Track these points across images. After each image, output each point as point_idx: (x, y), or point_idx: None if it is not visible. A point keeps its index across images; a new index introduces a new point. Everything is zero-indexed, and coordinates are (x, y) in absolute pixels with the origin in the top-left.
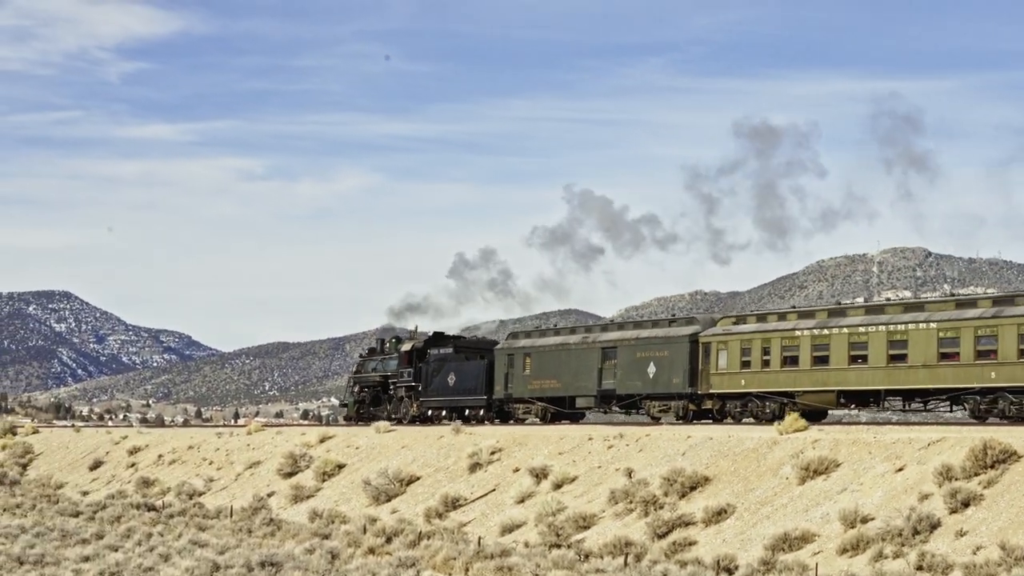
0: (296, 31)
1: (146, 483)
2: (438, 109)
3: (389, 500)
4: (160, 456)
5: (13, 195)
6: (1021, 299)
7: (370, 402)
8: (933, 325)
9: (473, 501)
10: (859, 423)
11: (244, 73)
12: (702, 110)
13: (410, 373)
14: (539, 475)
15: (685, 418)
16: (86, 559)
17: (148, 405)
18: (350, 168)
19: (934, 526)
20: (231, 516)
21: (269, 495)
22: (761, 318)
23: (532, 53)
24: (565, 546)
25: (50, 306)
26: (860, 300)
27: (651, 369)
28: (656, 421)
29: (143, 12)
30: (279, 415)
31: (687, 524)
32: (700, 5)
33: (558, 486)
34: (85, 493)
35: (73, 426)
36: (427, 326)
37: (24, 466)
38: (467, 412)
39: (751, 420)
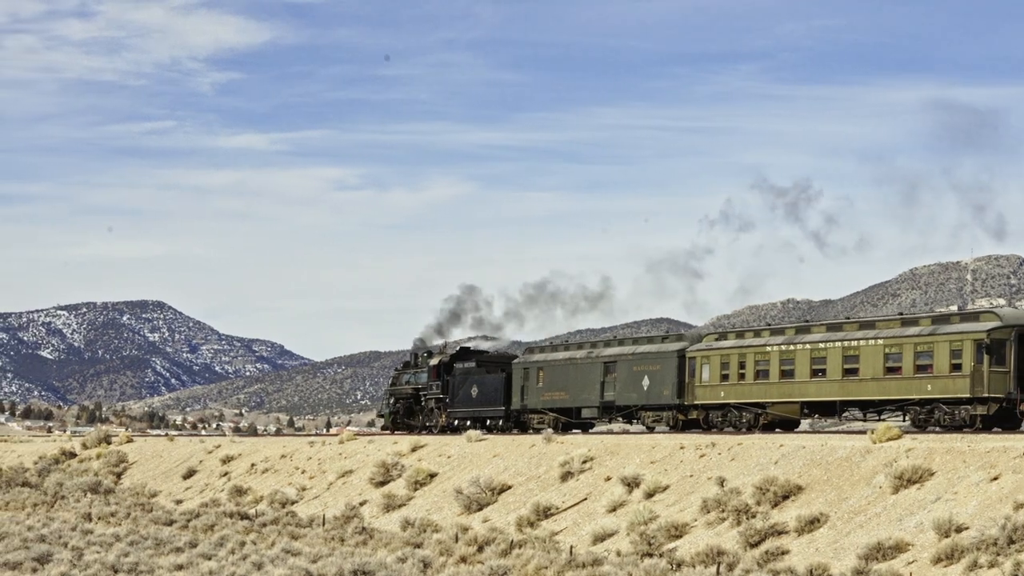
0: (385, 40)
1: (239, 492)
2: (527, 117)
3: (481, 509)
4: (253, 465)
5: (107, 205)
6: (956, 318)
7: (404, 413)
8: (880, 341)
9: (565, 510)
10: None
11: (334, 82)
12: (795, 117)
13: (438, 386)
14: (631, 484)
15: (675, 428)
16: (180, 567)
17: (241, 414)
18: (441, 177)
19: None
20: (323, 525)
21: (361, 504)
22: (739, 335)
23: (620, 61)
24: (657, 555)
25: (144, 316)
26: (954, 308)
27: (645, 382)
28: (651, 430)
29: (234, 22)
30: (371, 424)
31: (780, 533)
32: (788, 12)
33: (650, 495)
34: (179, 502)
35: (167, 435)
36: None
37: (119, 475)
38: (488, 422)
39: (731, 429)
